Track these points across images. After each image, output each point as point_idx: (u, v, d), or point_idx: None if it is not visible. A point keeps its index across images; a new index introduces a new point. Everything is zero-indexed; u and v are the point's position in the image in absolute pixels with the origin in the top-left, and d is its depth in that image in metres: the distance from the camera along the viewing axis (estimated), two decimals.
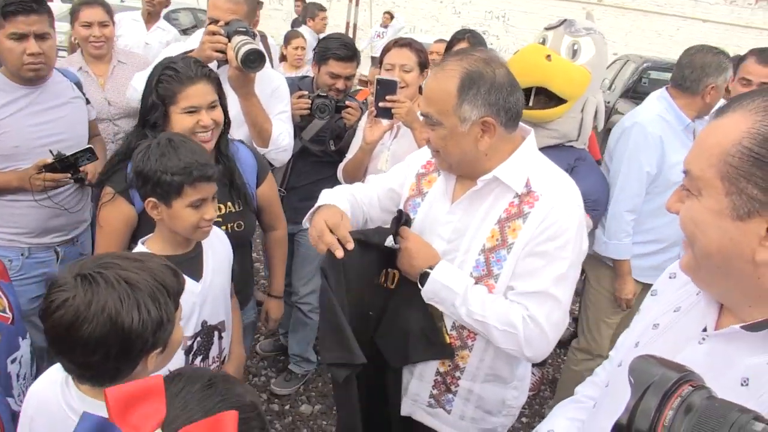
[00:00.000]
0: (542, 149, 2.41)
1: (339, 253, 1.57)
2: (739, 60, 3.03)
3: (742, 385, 0.91)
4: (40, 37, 2.21)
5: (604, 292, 2.87)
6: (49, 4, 2.30)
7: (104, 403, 1.14)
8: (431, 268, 1.59)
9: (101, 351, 1.11)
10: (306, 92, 2.78)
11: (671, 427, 0.75)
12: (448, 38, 3.52)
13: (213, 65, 2.29)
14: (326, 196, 1.80)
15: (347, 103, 2.84)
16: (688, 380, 0.79)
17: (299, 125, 2.85)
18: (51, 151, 2.26)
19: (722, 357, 0.96)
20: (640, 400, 0.79)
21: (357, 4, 9.96)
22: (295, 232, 3.04)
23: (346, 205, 1.75)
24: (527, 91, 2.41)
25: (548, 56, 2.34)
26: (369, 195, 1.90)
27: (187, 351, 1.79)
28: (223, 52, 2.29)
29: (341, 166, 2.84)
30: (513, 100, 1.51)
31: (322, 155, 2.91)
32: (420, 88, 2.91)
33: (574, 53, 2.39)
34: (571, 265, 1.55)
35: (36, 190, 2.27)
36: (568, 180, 1.64)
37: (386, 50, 2.81)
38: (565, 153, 2.46)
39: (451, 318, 1.65)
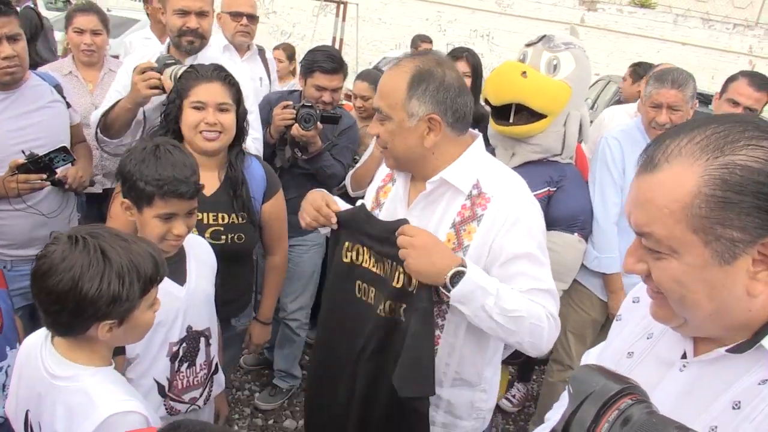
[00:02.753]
0: (526, 164, 2.50)
1: (334, 220, 1.70)
2: (727, 80, 3.08)
3: (734, 408, 0.89)
4: (12, 38, 2.19)
5: (577, 309, 2.87)
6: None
7: (65, 360, 1.30)
8: (463, 266, 1.49)
9: (58, 305, 1.24)
10: (291, 102, 2.78)
11: None
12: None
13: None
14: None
15: (333, 113, 2.85)
16: (630, 393, 0.78)
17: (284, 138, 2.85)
18: (23, 152, 2.21)
19: (707, 382, 0.94)
20: (577, 410, 0.78)
21: (344, 19, 10.03)
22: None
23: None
24: (507, 108, 2.46)
25: (524, 72, 2.39)
26: None
27: (173, 357, 1.79)
28: (158, 87, 2.33)
29: (350, 173, 2.89)
30: (461, 102, 1.57)
31: (310, 170, 2.91)
32: None
33: (554, 68, 2.43)
34: (546, 259, 1.64)
35: (11, 195, 2.22)
36: (517, 178, 1.69)
37: None
38: (549, 168, 2.51)
39: (464, 320, 1.59)
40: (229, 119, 2.03)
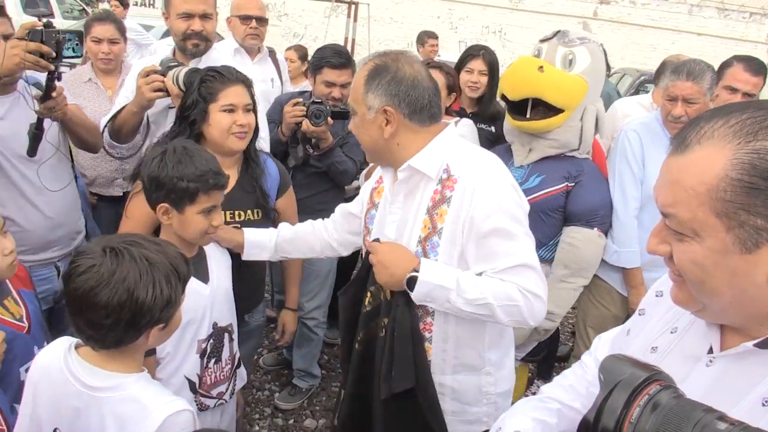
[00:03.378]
0: (543, 159, 2.50)
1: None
2: (721, 66, 3.01)
3: (764, 405, 0.87)
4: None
5: (597, 305, 2.84)
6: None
7: (102, 370, 1.29)
8: (416, 271, 1.59)
9: (113, 317, 1.22)
10: (301, 99, 2.78)
11: (637, 424, 0.75)
12: (444, 54, 3.54)
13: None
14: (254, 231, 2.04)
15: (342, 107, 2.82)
16: (657, 379, 0.79)
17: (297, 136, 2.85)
18: (40, 18, 2.04)
19: (735, 378, 0.92)
20: (607, 397, 0.79)
21: (355, 20, 10.05)
22: None
23: (256, 233, 2.02)
24: (523, 103, 2.46)
25: (540, 67, 2.39)
26: (325, 222, 2.10)
27: (202, 354, 1.84)
28: (161, 90, 2.32)
29: (365, 171, 2.90)
30: (414, 94, 1.63)
31: (322, 167, 2.92)
32: (446, 109, 2.98)
33: (570, 63, 2.42)
34: (519, 229, 1.62)
35: (8, 65, 1.98)
36: (489, 157, 1.72)
37: None
38: (566, 163, 2.50)
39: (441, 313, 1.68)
40: (253, 119, 2.10)
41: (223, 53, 2.97)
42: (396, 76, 1.62)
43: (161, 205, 1.75)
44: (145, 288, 1.24)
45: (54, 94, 2.14)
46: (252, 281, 2.26)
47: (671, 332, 1.07)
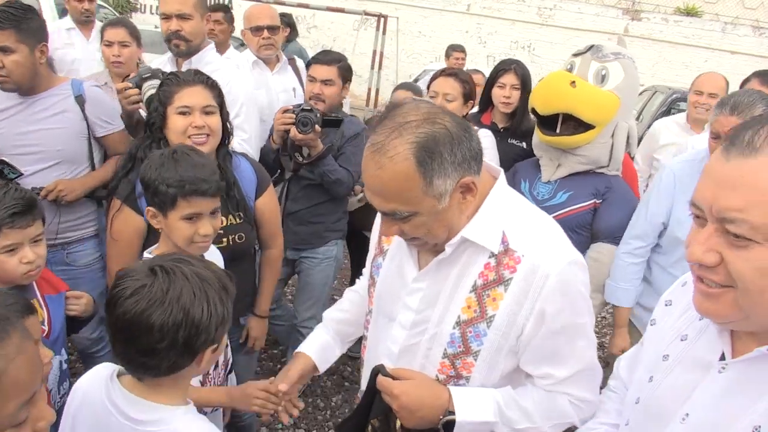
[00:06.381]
0: (572, 175, 2.45)
1: (284, 418, 1.58)
2: (742, 82, 2.99)
3: None
4: (2, 50, 2.28)
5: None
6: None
7: (146, 402, 1.21)
8: (451, 413, 1.34)
9: (169, 338, 1.15)
10: (290, 107, 2.75)
11: None
12: (470, 67, 3.52)
13: None
14: (307, 340, 1.75)
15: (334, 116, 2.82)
16: None
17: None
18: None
19: (747, 383, 0.93)
20: None
21: (384, 32, 10.08)
22: (295, 258, 3.07)
23: (317, 345, 1.72)
24: (553, 118, 2.42)
25: (573, 82, 2.34)
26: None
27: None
28: (139, 101, 2.40)
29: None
30: (475, 144, 1.25)
31: (315, 178, 2.87)
32: (464, 117, 2.94)
33: (603, 78, 2.38)
34: (590, 322, 1.36)
35: None
36: (552, 226, 1.38)
37: (434, 78, 2.93)
38: (595, 179, 2.46)
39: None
40: (216, 121, 2.04)
41: (241, 65, 3.00)
42: (453, 138, 1.20)
43: (148, 208, 1.74)
44: (200, 306, 1.18)
45: (41, 196, 2.36)
46: (245, 284, 2.25)
47: (681, 340, 1.08)
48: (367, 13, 10.35)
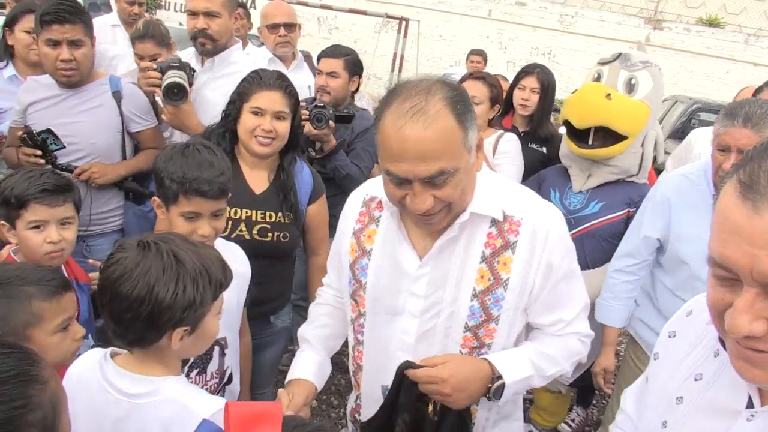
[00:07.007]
0: (604, 185, 2.47)
1: None
2: (755, 92, 2.86)
3: None
4: (73, 44, 2.37)
5: (636, 370, 2.40)
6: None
7: (138, 375, 1.24)
8: (499, 378, 1.38)
9: (133, 311, 1.18)
10: (303, 103, 2.75)
11: None
12: (489, 72, 3.47)
13: None
14: (294, 365, 1.65)
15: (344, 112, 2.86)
16: None
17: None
18: (26, 126, 2.41)
19: None
20: None
21: (405, 35, 10.12)
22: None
23: (314, 367, 1.63)
24: (587, 130, 2.43)
25: (608, 95, 2.35)
26: (326, 292, 1.78)
27: (183, 362, 1.68)
28: (158, 85, 2.43)
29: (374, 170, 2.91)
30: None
31: (328, 172, 2.89)
32: (489, 121, 2.97)
33: (632, 88, 2.39)
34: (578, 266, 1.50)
35: (11, 162, 2.48)
36: (527, 190, 1.51)
37: (461, 81, 2.93)
38: (628, 189, 2.47)
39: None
40: (284, 127, 2.08)
41: (258, 62, 3.03)
42: (466, 94, 1.29)
43: (154, 198, 1.73)
44: (167, 284, 1.18)
45: (74, 173, 2.44)
46: (281, 283, 2.28)
47: (695, 380, 0.99)
48: (389, 16, 10.40)
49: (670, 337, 1.10)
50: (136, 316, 1.18)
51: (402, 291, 1.45)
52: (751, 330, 0.75)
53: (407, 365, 1.40)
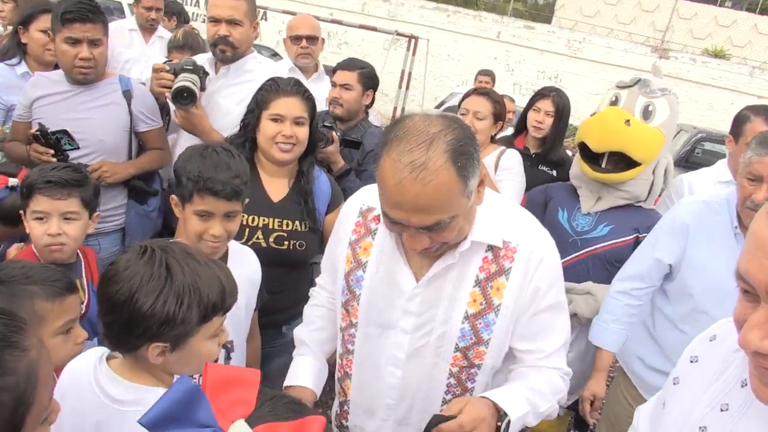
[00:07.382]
0: (612, 209, 2.47)
1: None
2: (740, 122, 2.73)
3: None
4: (93, 43, 2.39)
5: (627, 406, 2.33)
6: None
7: (127, 382, 1.23)
8: (505, 415, 1.36)
9: (114, 314, 1.18)
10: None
11: None
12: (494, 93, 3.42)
13: None
14: (293, 369, 1.67)
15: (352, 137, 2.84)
16: None
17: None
18: (39, 124, 2.39)
19: None
20: None
21: (414, 53, 10.19)
22: (318, 262, 3.08)
23: (313, 376, 1.65)
24: (601, 153, 2.43)
25: (627, 121, 2.35)
26: (319, 293, 1.80)
27: None
28: (168, 87, 2.44)
29: None
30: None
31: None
32: (492, 137, 2.98)
33: (648, 114, 2.38)
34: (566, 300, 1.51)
35: (14, 157, 2.50)
36: (526, 214, 1.51)
37: (466, 96, 2.95)
38: (636, 214, 2.48)
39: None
40: (304, 132, 2.11)
41: (278, 71, 3.05)
42: (470, 136, 1.26)
43: (172, 196, 1.76)
44: (147, 294, 1.14)
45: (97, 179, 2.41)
46: (296, 292, 2.26)
47: (722, 410, 0.96)
48: (399, 34, 10.47)
49: (692, 362, 1.07)
50: (116, 320, 1.17)
51: (396, 307, 1.46)
52: (761, 346, 0.76)
53: (440, 420, 1.33)
